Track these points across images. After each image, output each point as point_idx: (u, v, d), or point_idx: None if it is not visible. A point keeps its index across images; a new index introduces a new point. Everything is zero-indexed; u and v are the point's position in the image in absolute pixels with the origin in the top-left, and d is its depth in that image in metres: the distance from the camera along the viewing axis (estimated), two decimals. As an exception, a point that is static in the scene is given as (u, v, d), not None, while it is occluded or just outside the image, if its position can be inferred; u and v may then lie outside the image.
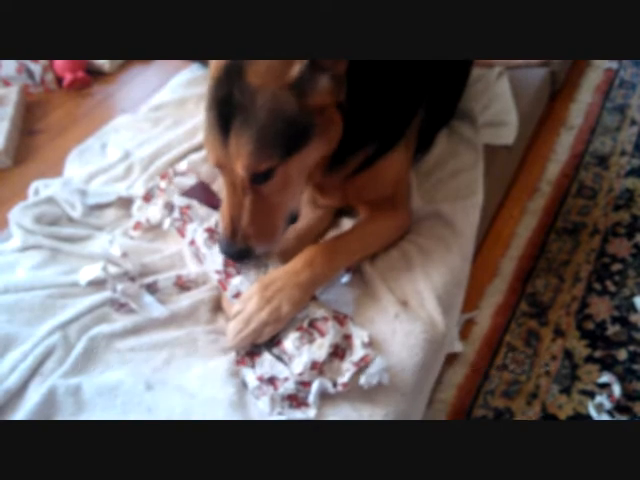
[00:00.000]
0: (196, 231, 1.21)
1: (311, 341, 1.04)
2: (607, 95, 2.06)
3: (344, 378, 1.00)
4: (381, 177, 1.26)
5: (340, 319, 1.07)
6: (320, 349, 1.02)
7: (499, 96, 1.67)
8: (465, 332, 1.35)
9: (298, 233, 1.28)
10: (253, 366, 1.05)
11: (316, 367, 1.00)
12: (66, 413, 1.04)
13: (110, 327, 1.16)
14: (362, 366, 1.00)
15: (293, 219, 1.14)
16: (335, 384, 1.00)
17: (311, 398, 0.98)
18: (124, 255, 1.26)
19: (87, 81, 2.29)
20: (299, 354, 1.02)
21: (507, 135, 1.61)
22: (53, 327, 1.15)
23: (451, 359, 1.28)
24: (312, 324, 1.05)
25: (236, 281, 1.12)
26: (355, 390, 1.02)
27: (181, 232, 1.29)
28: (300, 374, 1.00)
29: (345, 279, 1.22)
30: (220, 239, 1.10)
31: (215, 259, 1.16)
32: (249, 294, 1.07)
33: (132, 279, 1.18)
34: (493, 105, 1.65)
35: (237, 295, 1.11)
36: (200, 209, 1.27)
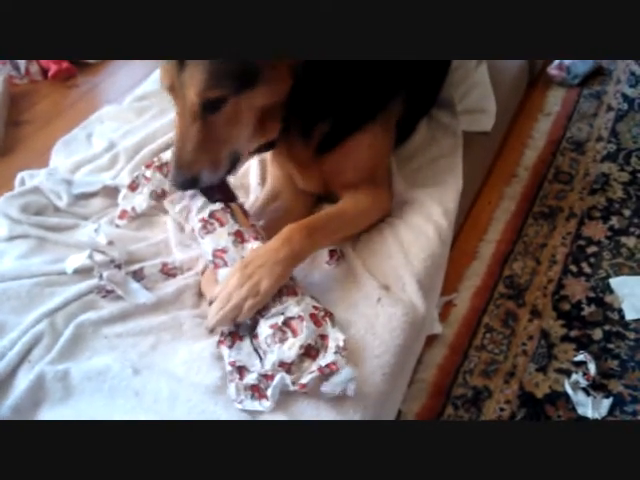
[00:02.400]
0: (221, 235, 1.19)
1: (283, 340, 1.04)
2: (584, 81, 2.10)
3: (304, 379, 0.99)
4: (353, 157, 1.29)
5: (318, 318, 1.07)
6: (290, 349, 1.02)
7: (478, 84, 1.69)
8: (445, 314, 1.38)
9: (279, 214, 1.32)
10: (231, 346, 1.07)
11: (284, 367, 1.01)
12: (54, 398, 1.06)
13: (97, 314, 1.18)
14: (327, 373, 0.99)
15: (235, 161, 1.18)
16: (295, 382, 1.00)
17: (270, 391, 0.99)
18: (110, 243, 1.28)
19: (72, 72, 2.29)
20: (270, 351, 1.03)
21: (485, 122, 1.64)
22: (40, 315, 1.17)
23: (431, 340, 1.32)
24: (287, 322, 1.06)
25: (224, 272, 1.15)
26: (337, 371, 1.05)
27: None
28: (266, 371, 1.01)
29: (328, 263, 1.25)
30: (171, 170, 1.15)
31: (206, 249, 1.19)
32: (230, 273, 1.10)
33: (118, 267, 1.20)
34: (472, 93, 1.67)
35: None
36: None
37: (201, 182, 1.15)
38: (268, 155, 1.43)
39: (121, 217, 1.40)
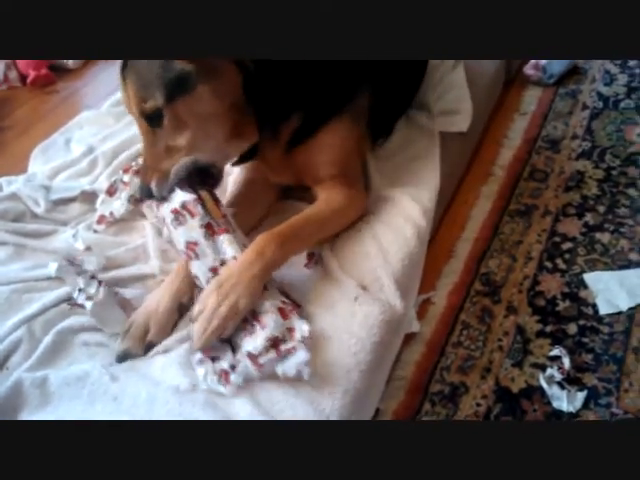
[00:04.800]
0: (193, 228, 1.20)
1: (252, 333, 1.07)
2: (560, 81, 2.13)
3: (261, 359, 1.03)
4: (322, 150, 1.30)
5: (285, 311, 1.09)
6: (256, 341, 1.05)
7: (454, 85, 1.71)
8: (422, 312, 1.40)
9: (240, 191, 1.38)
10: None
11: (251, 357, 1.04)
12: (33, 404, 1.06)
13: (77, 320, 1.19)
14: (283, 355, 1.03)
15: (214, 172, 1.20)
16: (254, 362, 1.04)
17: (233, 377, 1.03)
18: (88, 249, 1.28)
19: (51, 78, 2.29)
20: (241, 345, 1.06)
21: (462, 123, 1.66)
22: (18, 321, 1.17)
23: (409, 338, 1.33)
24: (255, 316, 1.08)
25: (194, 267, 1.16)
26: (315, 370, 1.07)
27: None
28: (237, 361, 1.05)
29: (307, 266, 1.26)
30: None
31: (178, 240, 1.20)
32: (207, 293, 1.10)
33: (93, 277, 1.20)
34: (448, 94, 1.69)
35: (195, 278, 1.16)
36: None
37: (154, 192, 1.17)
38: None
39: (99, 222, 1.41)
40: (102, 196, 1.44)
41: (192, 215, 1.16)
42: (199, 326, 1.07)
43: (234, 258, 1.14)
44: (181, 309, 1.19)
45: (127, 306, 1.22)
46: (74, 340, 1.17)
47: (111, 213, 1.41)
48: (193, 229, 1.16)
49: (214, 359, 1.07)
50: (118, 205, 1.41)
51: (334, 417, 1.02)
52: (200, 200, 1.18)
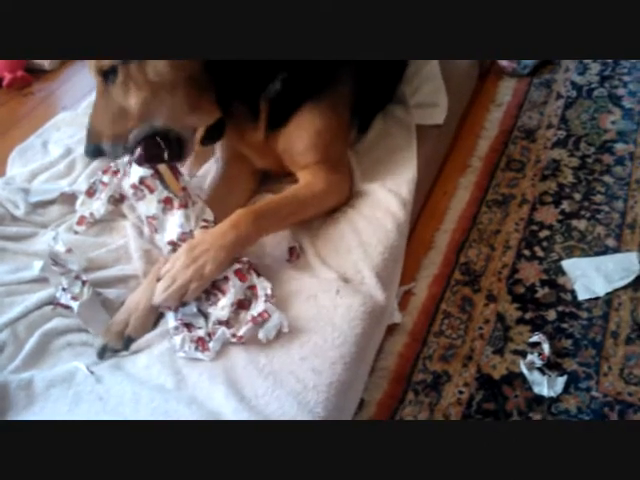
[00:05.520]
0: (151, 202, 1.25)
1: (215, 302, 1.13)
2: (534, 71, 2.15)
3: (240, 331, 1.09)
4: (303, 132, 1.32)
5: (242, 272, 1.15)
6: (223, 309, 1.12)
7: (429, 78, 1.73)
8: (404, 303, 1.42)
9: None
10: (176, 310, 1.14)
11: (222, 324, 1.11)
12: (19, 407, 1.06)
13: (63, 322, 1.19)
14: (259, 321, 1.09)
15: (177, 142, 1.22)
16: (234, 335, 1.09)
17: (211, 344, 1.09)
18: (69, 251, 1.28)
19: (27, 80, 2.26)
20: (210, 314, 1.13)
21: (438, 115, 1.68)
22: (1, 324, 1.17)
23: (391, 329, 1.35)
24: (214, 285, 1.14)
25: (156, 240, 1.23)
26: (298, 362, 1.08)
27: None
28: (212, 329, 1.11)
29: (289, 261, 1.27)
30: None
31: (140, 213, 1.24)
32: (177, 255, 1.15)
33: (77, 277, 1.20)
34: (424, 87, 1.71)
35: None
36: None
37: (106, 152, 1.20)
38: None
39: (79, 223, 1.40)
40: (82, 197, 1.44)
41: (150, 190, 1.21)
42: (162, 283, 1.13)
43: (191, 232, 1.19)
44: None
45: (110, 306, 1.23)
46: (59, 341, 1.18)
47: (91, 214, 1.41)
48: (152, 203, 1.21)
49: (189, 327, 1.11)
50: (98, 205, 1.41)
51: (319, 410, 1.03)
52: (158, 175, 1.21)
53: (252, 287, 1.15)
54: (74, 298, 1.17)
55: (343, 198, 1.37)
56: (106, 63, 1.14)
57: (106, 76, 1.16)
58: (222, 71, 1.19)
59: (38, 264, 1.22)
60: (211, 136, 1.34)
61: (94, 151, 1.22)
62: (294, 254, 1.28)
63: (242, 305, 1.14)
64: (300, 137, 1.32)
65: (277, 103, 1.29)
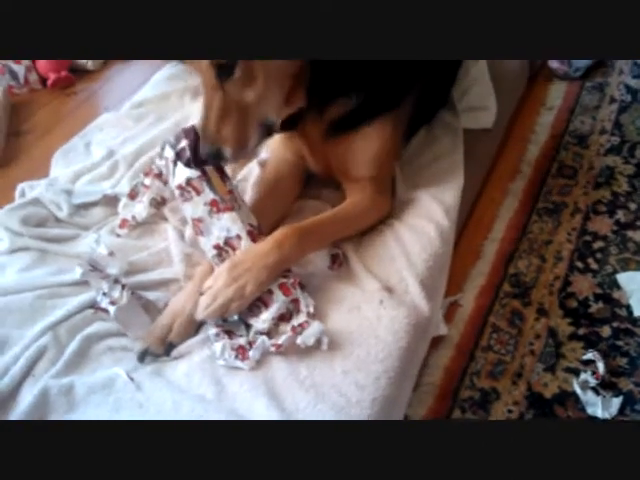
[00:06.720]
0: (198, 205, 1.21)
1: (257, 314, 1.12)
2: (586, 74, 2.07)
3: (279, 340, 1.07)
4: (362, 146, 1.29)
5: (287, 286, 1.13)
6: (264, 323, 1.11)
7: (478, 80, 1.67)
8: (450, 315, 1.37)
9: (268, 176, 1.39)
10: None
11: (263, 335, 1.10)
12: (59, 412, 1.06)
13: (103, 326, 1.19)
14: (299, 331, 1.08)
15: (269, 131, 1.18)
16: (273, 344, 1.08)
17: (251, 353, 1.07)
18: (111, 254, 1.27)
19: (71, 80, 2.29)
20: (250, 325, 1.12)
21: (486, 119, 1.63)
22: (44, 328, 1.17)
23: (436, 342, 1.30)
24: (258, 297, 1.12)
25: (201, 243, 1.19)
26: (340, 376, 1.05)
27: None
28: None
29: (331, 268, 1.24)
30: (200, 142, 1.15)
31: (185, 215, 1.22)
32: (220, 271, 1.14)
33: (116, 281, 1.19)
34: (472, 90, 1.66)
35: None
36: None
37: (225, 155, 1.14)
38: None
39: (121, 226, 1.40)
40: (124, 200, 1.43)
41: (197, 192, 1.18)
42: (204, 300, 1.12)
43: (238, 237, 1.17)
44: None
45: (152, 309, 1.21)
46: (99, 345, 1.17)
47: (133, 217, 1.40)
48: (198, 206, 1.18)
49: (230, 334, 1.11)
50: (140, 208, 1.40)
51: (363, 426, 1.00)
52: (205, 176, 1.18)
53: (295, 301, 1.13)
54: (112, 302, 1.16)
55: (384, 216, 1.34)
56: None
57: (222, 68, 1.08)
58: (324, 70, 1.15)
59: (79, 270, 1.21)
60: (289, 124, 1.30)
61: (215, 154, 1.15)
62: (337, 262, 1.25)
63: (283, 318, 1.12)
64: (362, 149, 1.29)
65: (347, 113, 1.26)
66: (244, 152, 1.17)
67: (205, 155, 1.14)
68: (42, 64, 2.26)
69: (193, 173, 1.17)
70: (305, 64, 1.14)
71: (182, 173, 1.19)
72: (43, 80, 2.28)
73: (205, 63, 1.08)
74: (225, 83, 1.09)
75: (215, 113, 1.12)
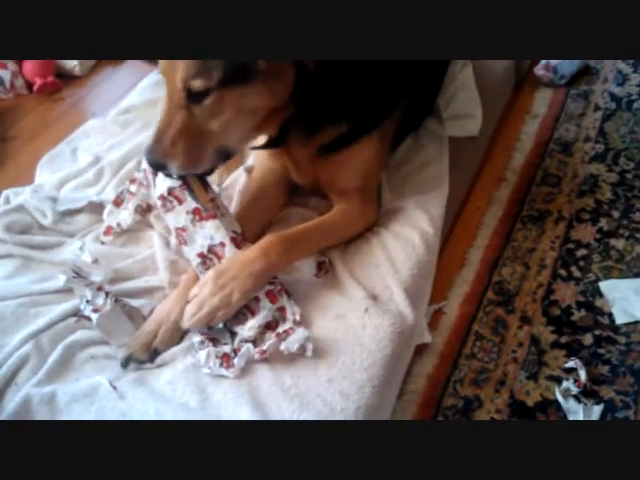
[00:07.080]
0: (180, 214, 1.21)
1: (243, 322, 1.12)
2: (571, 81, 2.09)
3: (263, 346, 1.08)
4: (352, 163, 1.30)
5: (274, 293, 1.14)
6: (250, 330, 1.11)
7: (463, 88, 1.68)
8: (434, 322, 1.38)
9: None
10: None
11: (248, 343, 1.10)
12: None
13: (86, 334, 1.18)
14: (284, 337, 1.08)
15: (226, 156, 1.18)
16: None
17: (236, 361, 1.07)
18: (95, 261, 1.27)
19: (57, 85, 2.27)
20: (236, 333, 1.12)
21: (472, 127, 1.63)
22: (26, 336, 1.16)
23: (420, 350, 1.31)
24: (245, 304, 1.13)
25: (185, 252, 1.20)
26: (325, 384, 1.05)
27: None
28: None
29: (317, 276, 1.24)
30: (147, 144, 1.15)
31: (168, 224, 1.22)
32: (205, 279, 1.14)
33: (100, 288, 1.18)
34: (458, 97, 1.66)
35: None
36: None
37: (170, 170, 1.15)
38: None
39: (106, 233, 1.39)
40: (109, 207, 1.42)
41: (179, 201, 1.19)
42: (190, 308, 1.12)
43: (221, 244, 1.17)
44: None
45: (137, 317, 1.21)
46: (82, 354, 1.16)
47: (118, 224, 1.39)
48: (180, 215, 1.18)
49: (214, 342, 1.11)
50: (125, 216, 1.40)
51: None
52: (187, 185, 1.19)
53: (281, 309, 1.14)
54: (95, 310, 1.16)
55: (370, 224, 1.35)
56: (198, 84, 1.05)
57: (193, 95, 1.08)
58: (315, 100, 1.17)
59: (62, 277, 1.21)
60: (273, 142, 1.31)
61: (158, 166, 1.15)
62: (323, 269, 1.26)
63: (269, 326, 1.13)
64: (348, 166, 1.30)
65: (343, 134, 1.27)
66: (192, 171, 1.17)
67: (150, 161, 1.15)
68: (28, 69, 2.25)
69: (174, 182, 1.18)
70: (289, 100, 1.14)
71: (163, 183, 1.19)
72: (29, 85, 2.26)
73: (178, 82, 1.07)
74: (192, 105, 1.09)
75: (173, 128, 1.11)
